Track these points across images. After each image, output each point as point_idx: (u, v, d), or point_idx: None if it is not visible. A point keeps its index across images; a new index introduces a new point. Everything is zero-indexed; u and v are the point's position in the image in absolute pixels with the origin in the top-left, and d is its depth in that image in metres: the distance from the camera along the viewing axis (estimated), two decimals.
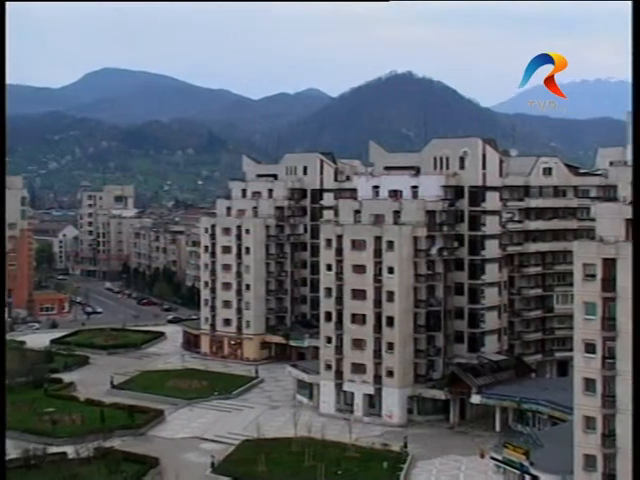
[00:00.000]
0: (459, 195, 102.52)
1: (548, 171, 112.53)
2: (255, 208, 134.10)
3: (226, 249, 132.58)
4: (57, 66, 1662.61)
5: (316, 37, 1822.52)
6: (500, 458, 73.70)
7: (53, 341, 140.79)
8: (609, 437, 62.88)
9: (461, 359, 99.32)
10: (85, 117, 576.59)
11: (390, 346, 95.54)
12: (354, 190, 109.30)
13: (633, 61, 55.85)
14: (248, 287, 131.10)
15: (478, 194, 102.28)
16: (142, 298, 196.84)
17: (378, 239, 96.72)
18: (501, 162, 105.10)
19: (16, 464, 76.79)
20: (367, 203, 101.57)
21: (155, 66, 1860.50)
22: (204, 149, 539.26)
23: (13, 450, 77.14)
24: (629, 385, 59.64)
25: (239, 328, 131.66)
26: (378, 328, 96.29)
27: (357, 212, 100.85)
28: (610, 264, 63.01)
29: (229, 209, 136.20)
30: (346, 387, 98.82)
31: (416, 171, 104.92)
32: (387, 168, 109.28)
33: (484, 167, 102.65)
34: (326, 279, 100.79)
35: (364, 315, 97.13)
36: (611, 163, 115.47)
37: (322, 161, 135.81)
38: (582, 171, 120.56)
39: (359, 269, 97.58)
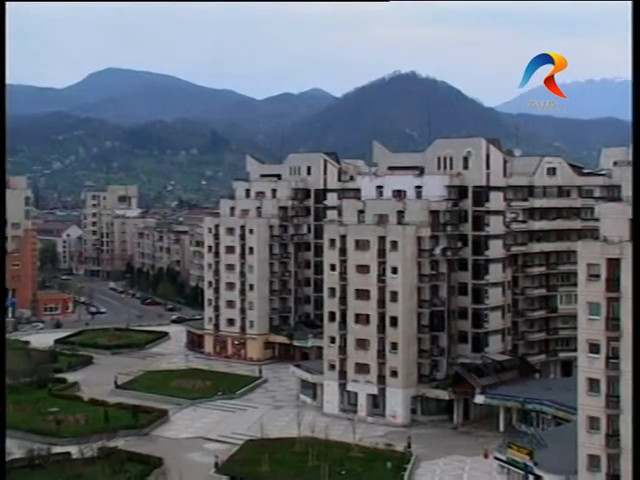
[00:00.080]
0: (463, 195, 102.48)
1: (552, 171, 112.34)
2: (259, 208, 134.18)
3: (230, 249, 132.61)
4: (61, 67, 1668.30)
5: (320, 37, 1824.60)
6: (504, 458, 73.53)
7: (57, 341, 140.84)
8: (613, 437, 62.74)
9: (465, 359, 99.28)
10: (89, 117, 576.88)
11: (394, 346, 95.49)
12: (358, 190, 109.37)
13: (633, 61, 55.86)
14: (252, 287, 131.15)
15: (482, 194, 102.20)
16: (146, 298, 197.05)
17: (382, 239, 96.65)
18: (505, 162, 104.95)
19: (20, 464, 77.07)
20: (371, 203, 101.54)
21: (159, 66, 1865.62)
22: (208, 149, 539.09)
23: (17, 450, 77.38)
24: None
25: (243, 328, 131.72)
26: (382, 328, 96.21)
27: (361, 212, 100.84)
28: (614, 264, 62.88)
29: (233, 209, 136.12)
30: (350, 387, 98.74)
31: (420, 171, 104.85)
32: (391, 168, 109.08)
33: (488, 167, 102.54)
34: (330, 279, 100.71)
35: (368, 315, 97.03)
36: (615, 163, 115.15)
37: (326, 161, 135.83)
38: (586, 171, 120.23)
39: (363, 269, 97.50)
